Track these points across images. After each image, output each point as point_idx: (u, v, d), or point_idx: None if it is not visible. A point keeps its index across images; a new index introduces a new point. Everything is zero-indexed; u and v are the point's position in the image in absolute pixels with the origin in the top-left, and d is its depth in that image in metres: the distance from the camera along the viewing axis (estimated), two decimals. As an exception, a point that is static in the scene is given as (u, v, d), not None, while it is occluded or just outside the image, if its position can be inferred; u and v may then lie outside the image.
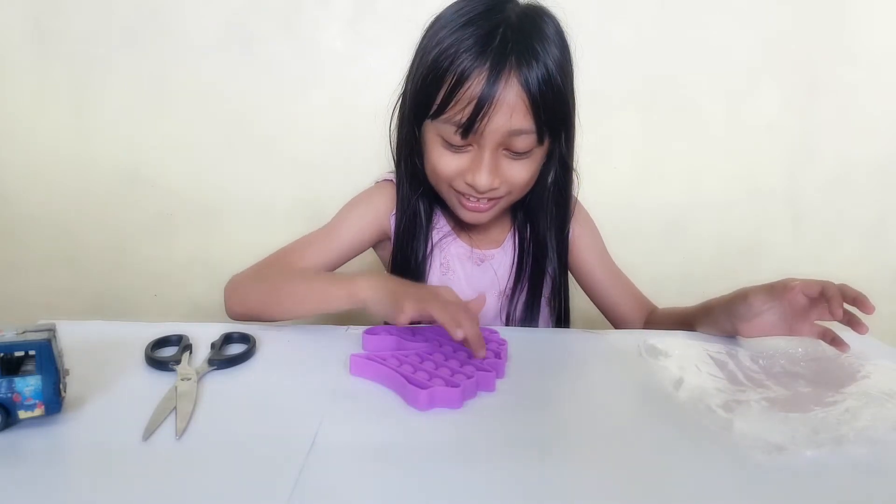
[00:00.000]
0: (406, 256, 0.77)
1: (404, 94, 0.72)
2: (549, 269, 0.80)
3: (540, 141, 0.66)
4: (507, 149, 0.65)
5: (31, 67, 1.10)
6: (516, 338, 0.62)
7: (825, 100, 1.15)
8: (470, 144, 0.65)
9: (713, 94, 1.14)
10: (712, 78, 1.14)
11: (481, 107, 0.61)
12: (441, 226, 0.81)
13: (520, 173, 0.68)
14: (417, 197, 0.76)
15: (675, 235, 1.20)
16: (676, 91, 1.14)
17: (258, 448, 0.41)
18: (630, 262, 1.19)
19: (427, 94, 0.65)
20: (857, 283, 0.54)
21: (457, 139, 0.64)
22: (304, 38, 1.11)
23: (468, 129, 0.62)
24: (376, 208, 0.80)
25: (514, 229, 0.82)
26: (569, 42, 0.66)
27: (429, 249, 0.78)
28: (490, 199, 0.70)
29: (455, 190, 0.70)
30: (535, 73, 0.61)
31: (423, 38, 0.68)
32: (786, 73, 1.14)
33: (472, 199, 0.70)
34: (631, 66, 1.13)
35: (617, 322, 0.85)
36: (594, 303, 0.88)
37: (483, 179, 0.65)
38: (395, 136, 0.75)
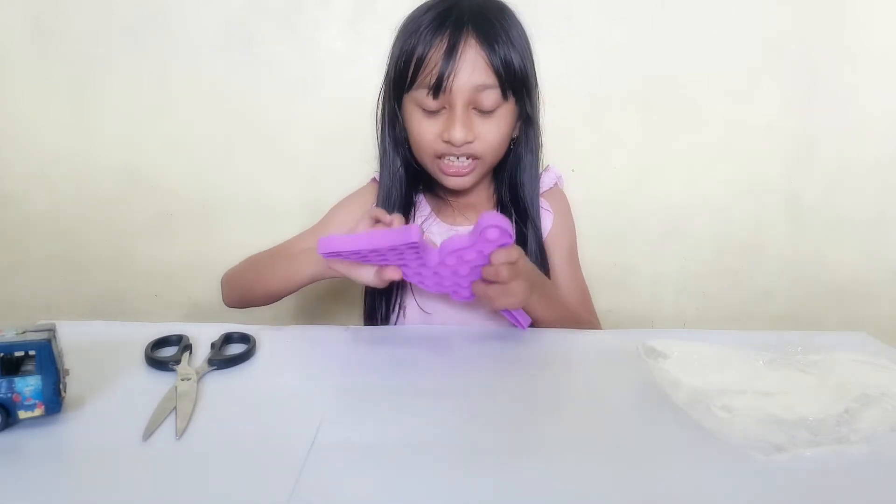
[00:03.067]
0: None
1: (385, 81, 0.81)
2: (532, 244, 0.82)
3: (504, 96, 0.73)
4: (476, 107, 0.73)
5: (31, 67, 1.09)
6: (515, 338, 0.62)
7: (825, 100, 1.15)
8: (443, 107, 0.73)
9: (713, 94, 1.14)
10: (712, 78, 1.13)
11: (445, 66, 0.70)
12: (423, 209, 0.85)
13: (491, 131, 0.74)
14: (400, 176, 0.82)
15: (675, 235, 1.20)
16: (676, 91, 1.14)
17: (258, 448, 0.41)
18: (630, 262, 1.19)
19: (401, 71, 0.74)
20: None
21: (430, 102, 0.72)
22: (304, 38, 1.11)
23: (437, 88, 0.71)
24: (365, 206, 0.84)
25: (497, 209, 0.84)
26: (524, 27, 0.76)
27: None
28: (469, 159, 0.75)
29: (437, 157, 0.76)
30: (490, 35, 0.71)
31: (396, 33, 0.78)
32: (786, 73, 1.14)
33: (451, 161, 0.75)
34: (631, 66, 1.13)
35: None
36: None
37: (458, 133, 0.71)
38: (380, 119, 0.82)
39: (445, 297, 0.80)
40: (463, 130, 0.71)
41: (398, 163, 0.82)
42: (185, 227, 1.17)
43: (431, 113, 0.74)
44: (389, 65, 0.79)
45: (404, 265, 0.63)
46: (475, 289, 0.64)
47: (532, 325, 0.78)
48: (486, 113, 0.73)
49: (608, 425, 0.47)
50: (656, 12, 1.11)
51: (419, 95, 0.73)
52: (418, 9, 0.76)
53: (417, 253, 0.60)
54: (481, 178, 0.81)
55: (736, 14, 1.11)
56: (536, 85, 0.80)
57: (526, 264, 0.66)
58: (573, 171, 1.12)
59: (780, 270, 1.22)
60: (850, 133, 1.16)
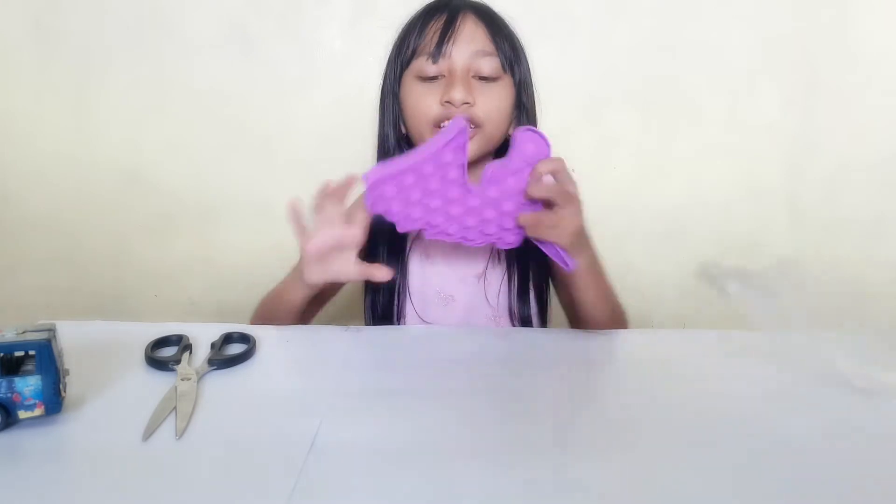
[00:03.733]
0: (380, 241, 0.80)
1: (385, 69, 0.81)
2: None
3: (503, 67, 0.74)
4: (476, 74, 0.73)
5: (31, 67, 1.09)
6: (516, 338, 0.62)
7: (825, 100, 1.15)
8: (442, 75, 0.73)
9: (713, 94, 1.14)
10: (712, 78, 1.13)
11: (445, 32, 0.72)
12: None
13: (491, 98, 0.74)
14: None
15: (675, 235, 1.20)
16: (676, 91, 1.14)
17: (258, 448, 0.41)
18: (630, 263, 1.19)
19: (401, 50, 0.76)
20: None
21: (429, 67, 0.73)
22: (304, 38, 1.11)
23: (437, 53, 0.72)
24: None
25: None
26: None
27: (409, 239, 0.81)
28: (471, 126, 0.73)
29: (435, 126, 0.74)
30: (488, 13, 0.75)
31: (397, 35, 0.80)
32: (786, 73, 1.14)
33: None
34: (631, 66, 1.13)
35: (576, 318, 0.79)
36: (558, 296, 0.84)
37: (457, 92, 0.71)
38: (379, 108, 0.82)
39: (444, 305, 0.79)
40: (463, 90, 0.71)
41: (394, 148, 0.80)
42: (185, 227, 1.17)
43: (430, 81, 0.74)
44: (390, 55, 0.80)
45: (447, 216, 0.62)
46: (523, 219, 0.61)
47: (573, 325, 0.75)
48: (486, 81, 0.73)
49: (608, 424, 0.47)
50: (656, 12, 1.11)
51: (418, 64, 0.74)
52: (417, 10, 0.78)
53: (464, 184, 0.60)
54: (481, 154, 0.77)
55: (735, 14, 1.11)
56: (532, 85, 0.80)
57: (579, 201, 0.64)
58: (573, 171, 1.12)
59: (779, 270, 1.22)
60: (850, 133, 1.16)
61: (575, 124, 1.13)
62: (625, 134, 1.15)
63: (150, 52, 1.10)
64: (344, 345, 0.60)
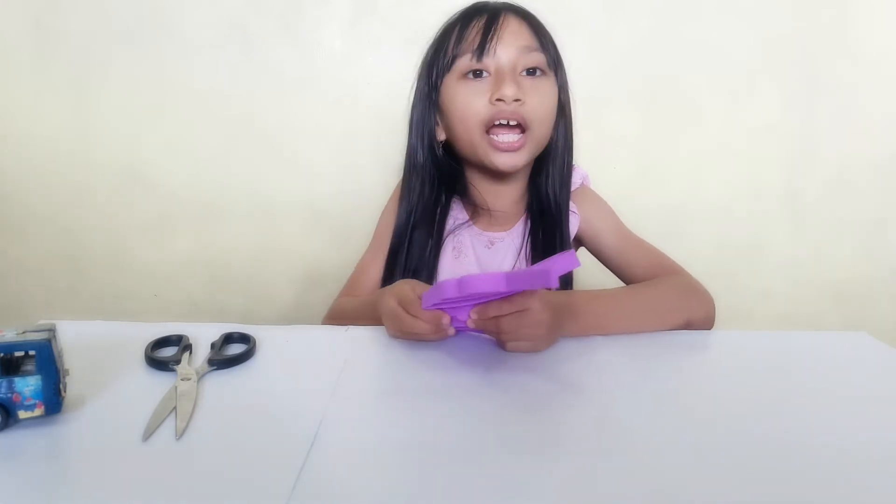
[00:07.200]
0: (416, 240, 0.79)
1: (421, 68, 0.78)
2: (558, 244, 0.79)
3: (548, 63, 0.73)
4: (524, 69, 0.72)
5: (31, 67, 1.10)
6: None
7: (825, 100, 1.15)
8: (488, 72, 0.72)
9: (713, 94, 1.14)
10: (712, 78, 1.14)
11: (489, 29, 0.71)
12: (457, 213, 0.83)
13: (541, 96, 0.73)
14: (430, 170, 0.79)
15: (675, 235, 1.20)
16: (676, 91, 1.14)
17: (258, 448, 0.41)
18: (630, 262, 1.19)
19: (441, 54, 0.74)
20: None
21: (474, 63, 0.72)
22: (304, 38, 1.11)
23: (481, 51, 0.71)
24: None
25: (527, 216, 0.82)
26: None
27: (444, 234, 0.81)
28: (519, 131, 0.72)
29: (486, 133, 0.73)
30: (529, 17, 0.74)
31: (430, 41, 0.78)
32: (786, 73, 1.14)
33: (503, 136, 0.72)
34: (631, 66, 1.13)
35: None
36: (615, 275, 0.84)
37: (508, 88, 0.70)
38: (412, 111, 0.79)
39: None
40: (514, 86, 0.70)
41: (422, 155, 0.79)
42: (185, 227, 1.17)
43: (476, 80, 0.72)
44: (422, 65, 0.78)
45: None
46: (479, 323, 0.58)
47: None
48: (534, 77, 0.73)
49: (610, 424, 0.47)
50: (656, 12, 1.11)
51: (462, 63, 0.72)
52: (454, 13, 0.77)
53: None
54: (530, 159, 0.77)
55: (735, 14, 1.11)
56: (568, 87, 0.79)
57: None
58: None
59: (780, 270, 1.22)
60: (850, 133, 1.17)
61: (575, 124, 1.13)
62: (625, 134, 1.15)
63: (150, 52, 1.10)
64: (344, 345, 0.60)
